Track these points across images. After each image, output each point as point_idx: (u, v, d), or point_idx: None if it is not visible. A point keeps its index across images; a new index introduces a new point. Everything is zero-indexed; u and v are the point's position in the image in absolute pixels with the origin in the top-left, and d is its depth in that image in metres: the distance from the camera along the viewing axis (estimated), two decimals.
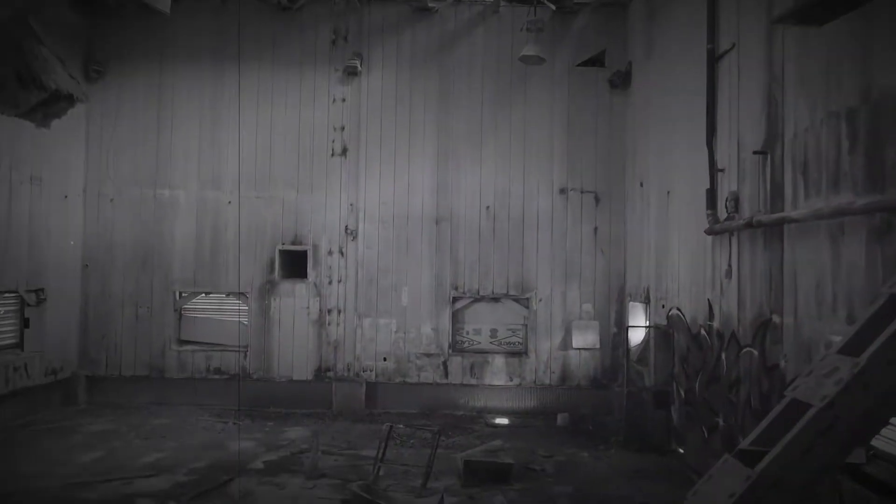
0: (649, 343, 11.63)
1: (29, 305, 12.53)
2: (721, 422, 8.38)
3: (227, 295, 13.97)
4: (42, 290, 12.72)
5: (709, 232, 8.68)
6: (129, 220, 13.87)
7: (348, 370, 13.53)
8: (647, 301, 11.91)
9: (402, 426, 10.43)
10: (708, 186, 8.77)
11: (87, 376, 13.74)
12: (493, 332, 13.63)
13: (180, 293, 13.94)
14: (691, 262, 9.66)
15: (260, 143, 13.80)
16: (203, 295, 14.04)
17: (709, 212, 8.69)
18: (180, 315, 14.01)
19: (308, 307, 13.59)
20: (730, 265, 8.18)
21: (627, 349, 11.72)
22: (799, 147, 6.59)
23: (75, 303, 13.71)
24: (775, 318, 7.00)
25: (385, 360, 13.49)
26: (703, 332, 9.13)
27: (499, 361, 13.37)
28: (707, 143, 8.85)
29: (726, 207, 8.24)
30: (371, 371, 13.51)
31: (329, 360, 13.57)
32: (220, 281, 13.78)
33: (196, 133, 13.87)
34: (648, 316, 12.07)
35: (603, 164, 13.46)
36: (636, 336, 12.75)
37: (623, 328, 13.16)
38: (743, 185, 7.94)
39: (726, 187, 8.40)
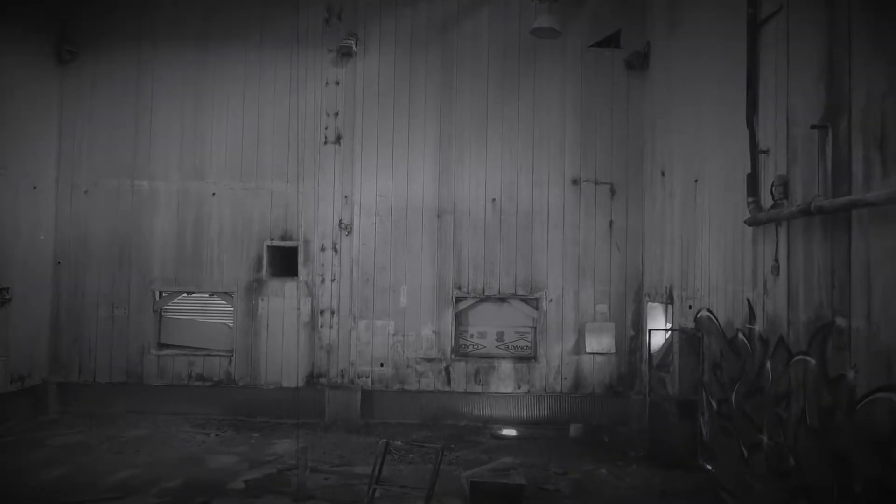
0: (672, 348, 10.57)
1: None
2: (766, 440, 7.31)
3: (211, 295, 12.90)
4: (7, 289, 11.64)
5: (750, 222, 7.62)
6: (104, 213, 12.79)
7: (342, 377, 12.46)
8: (669, 301, 10.84)
9: (399, 442, 9.34)
10: (749, 171, 7.71)
11: (58, 383, 12.66)
12: (500, 336, 12.57)
13: (160, 293, 12.87)
14: (726, 257, 8.60)
15: (246, 130, 12.73)
16: (185, 295, 12.96)
17: (750, 199, 7.63)
18: (160, 316, 12.94)
19: (299, 308, 12.52)
20: (777, 260, 7.11)
21: (649, 354, 10.66)
22: (873, 117, 5.53)
23: (45, 303, 12.64)
24: (840, 321, 5.94)
25: (382, 365, 12.42)
26: (741, 336, 8.06)
27: (506, 367, 12.31)
28: (747, 123, 7.80)
29: (772, 194, 7.18)
30: (367, 377, 12.43)
31: (321, 365, 12.49)
32: (204, 279, 12.71)
33: (178, 119, 12.79)
34: (671, 318, 11.01)
35: (619, 153, 12.40)
36: (656, 340, 11.68)
37: (641, 331, 12.11)
38: (794, 167, 6.88)
39: (771, 171, 7.34)
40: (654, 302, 11.72)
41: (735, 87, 8.24)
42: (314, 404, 12.36)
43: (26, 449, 10.35)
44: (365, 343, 12.46)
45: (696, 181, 9.67)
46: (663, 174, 11.20)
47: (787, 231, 6.98)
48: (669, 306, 10.92)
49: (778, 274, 7.10)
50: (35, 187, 12.34)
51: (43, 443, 10.71)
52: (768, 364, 7.29)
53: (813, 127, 6.32)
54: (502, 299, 12.50)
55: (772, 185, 7.20)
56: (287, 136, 12.66)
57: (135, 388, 12.63)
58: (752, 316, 7.77)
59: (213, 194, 12.70)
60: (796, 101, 6.88)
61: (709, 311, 9.07)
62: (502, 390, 12.28)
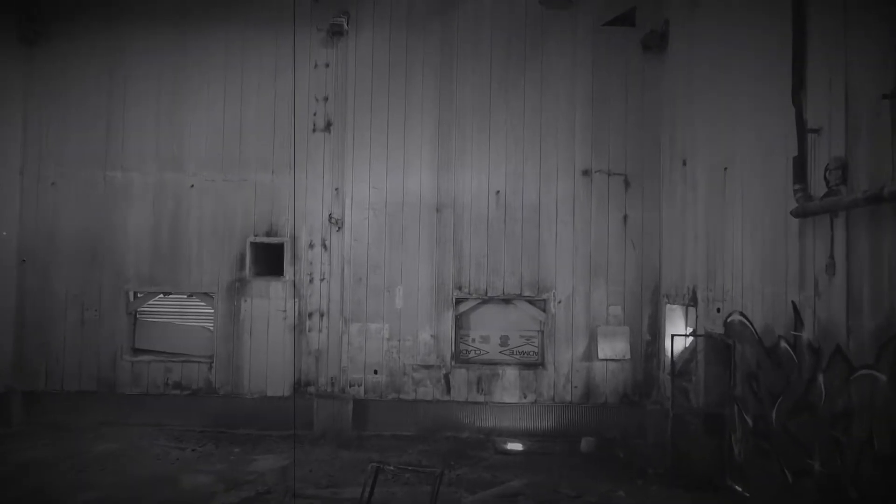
0: (696, 355, 9.56)
1: None
2: (817, 466, 6.30)
3: (190, 296, 11.86)
4: None
5: (797, 213, 6.61)
6: (74, 206, 11.73)
7: (332, 385, 11.43)
8: (691, 303, 9.83)
9: (391, 467, 8.30)
10: (795, 154, 6.70)
11: (22, 392, 11.61)
12: (504, 340, 11.54)
13: (135, 293, 11.82)
14: (764, 254, 7.59)
15: (228, 117, 11.69)
16: (161, 296, 11.92)
17: (797, 187, 6.62)
18: (135, 319, 11.89)
19: (285, 310, 11.49)
20: (832, 256, 6.10)
21: (672, 361, 9.64)
22: None
23: (9, 304, 11.58)
24: None
25: (376, 372, 11.39)
26: (783, 344, 7.04)
27: (511, 374, 11.28)
28: (793, 99, 6.78)
29: (826, 179, 6.18)
30: (359, 386, 11.40)
31: (310, 372, 11.46)
32: (182, 279, 11.66)
33: (154, 105, 11.74)
34: (694, 321, 10.00)
35: (634, 141, 11.37)
36: (676, 346, 10.67)
37: (658, 335, 11.09)
38: (855, 147, 5.87)
39: (824, 152, 6.33)
40: (673, 304, 10.70)
41: (773, 61, 7.27)
42: (301, 415, 11.30)
43: None
44: (357, 348, 11.43)
45: (725, 169, 8.65)
46: (684, 163, 10.18)
47: (845, 222, 5.97)
48: (692, 309, 9.90)
49: (834, 273, 6.09)
50: None
51: (3, 460, 9.67)
52: (821, 378, 6.28)
53: (885, 97, 5.31)
54: (507, 301, 11.48)
55: (825, 170, 6.20)
56: (272, 123, 11.63)
57: (106, 398, 11.58)
58: (798, 321, 6.76)
59: (192, 186, 11.66)
60: (858, 71, 5.86)
61: (742, 314, 8.06)
62: (507, 400, 11.25)
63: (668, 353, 10.74)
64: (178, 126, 11.70)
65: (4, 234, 11.49)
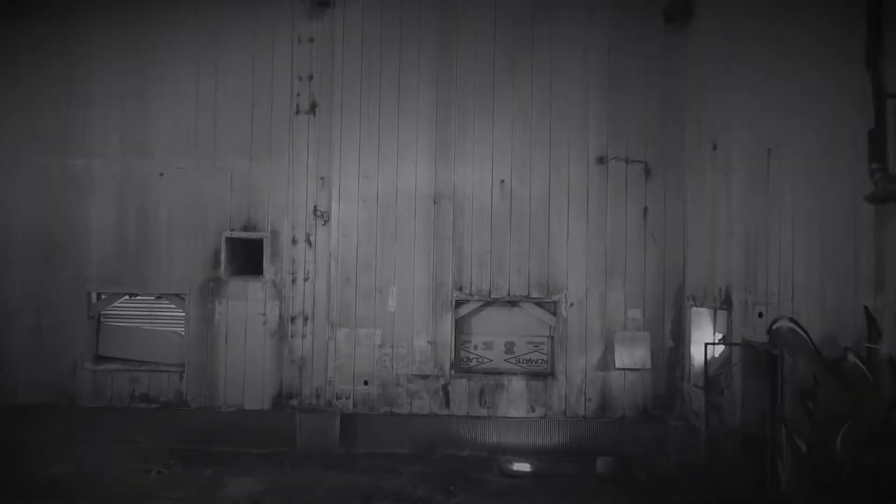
0: (730, 366, 8.36)
1: None
2: None
3: (159, 297, 10.63)
4: None
5: (875, 198, 5.41)
6: (28, 197, 10.49)
7: (318, 397, 10.21)
8: (724, 306, 8.62)
9: None
10: (870, 127, 5.50)
11: None
12: (510, 347, 10.33)
13: (98, 294, 10.59)
14: (824, 248, 6.39)
15: (201, 97, 10.47)
16: (127, 297, 10.69)
17: (874, 166, 5.43)
18: (98, 323, 10.67)
19: (265, 313, 10.27)
20: None
21: (705, 372, 8.42)
22: None
23: None
24: None
25: (367, 383, 10.18)
26: (852, 358, 5.84)
27: (517, 385, 10.07)
28: (867, 63, 5.58)
29: None
30: (348, 398, 10.19)
31: (293, 383, 10.25)
32: (150, 279, 10.43)
33: (118, 84, 10.51)
34: (725, 327, 8.80)
35: (655, 124, 10.16)
36: (701, 353, 9.49)
37: (682, 341, 9.90)
38: None
39: None
40: (700, 307, 9.50)
41: (836, 22, 6.09)
42: (284, 430, 10.13)
43: None
44: (345, 356, 10.21)
45: (769, 150, 7.44)
46: (715, 147, 8.97)
47: None
48: (725, 312, 8.70)
49: None
50: None
51: None
52: None
53: None
54: (513, 303, 10.26)
55: None
56: (251, 104, 10.41)
57: (65, 411, 10.35)
58: (873, 330, 5.55)
59: (161, 175, 10.43)
60: None
61: (792, 321, 6.84)
62: (513, 414, 10.04)
63: (695, 363, 9.57)
64: (146, 108, 10.47)
65: None
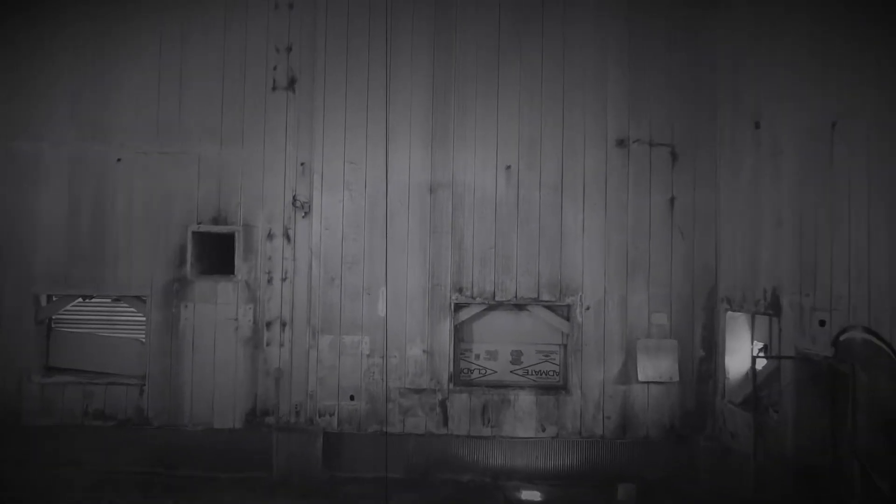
0: (778, 382, 7.10)
1: None
2: None
3: (116, 300, 9.34)
4: None
5: None
6: None
7: (297, 414, 8.93)
8: (769, 311, 7.35)
9: None
10: None
11: None
12: (517, 356, 9.05)
13: (48, 297, 9.28)
14: None
15: (165, 71, 9.18)
16: (81, 300, 9.39)
17: None
18: (48, 329, 9.37)
19: (237, 318, 8.99)
20: None
21: (754, 386, 7.13)
22: None
23: None
24: None
25: (353, 398, 8.90)
26: None
27: (525, 401, 8.79)
28: None
29: None
30: (332, 415, 8.91)
31: (268, 398, 8.97)
32: (106, 278, 9.14)
33: (70, 57, 9.22)
34: (769, 335, 7.55)
35: (683, 100, 8.89)
36: (738, 365, 8.27)
37: (715, 351, 8.63)
38: None
39: None
40: (736, 311, 8.23)
41: None
42: (259, 452, 8.86)
43: None
44: (329, 367, 8.93)
45: (833, 125, 6.17)
46: (757, 125, 7.70)
47: None
48: (770, 318, 7.43)
49: None
50: None
51: None
52: None
53: None
54: (520, 307, 8.98)
55: None
56: (221, 80, 9.14)
57: (9, 431, 9.04)
58: None
59: (119, 160, 9.14)
60: None
61: (870, 331, 5.57)
62: (520, 434, 8.76)
63: (730, 376, 8.32)
64: (101, 83, 9.18)
65: None
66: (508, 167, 8.95)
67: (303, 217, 9.02)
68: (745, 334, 8.20)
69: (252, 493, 8.34)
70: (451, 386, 8.84)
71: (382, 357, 8.87)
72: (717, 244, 8.72)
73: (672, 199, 8.85)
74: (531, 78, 8.98)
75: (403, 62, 9.01)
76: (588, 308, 8.80)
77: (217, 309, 9.00)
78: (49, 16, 9.21)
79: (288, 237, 9.02)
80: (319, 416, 8.90)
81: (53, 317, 9.39)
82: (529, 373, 9.00)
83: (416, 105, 9.01)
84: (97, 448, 8.99)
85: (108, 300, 9.38)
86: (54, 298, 9.31)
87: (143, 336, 9.17)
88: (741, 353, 8.20)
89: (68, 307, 9.39)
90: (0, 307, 9.13)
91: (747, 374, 7.89)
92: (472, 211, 8.96)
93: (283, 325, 8.98)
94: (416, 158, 9.00)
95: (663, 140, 8.89)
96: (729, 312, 8.40)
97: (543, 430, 8.75)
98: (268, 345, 8.98)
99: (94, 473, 8.72)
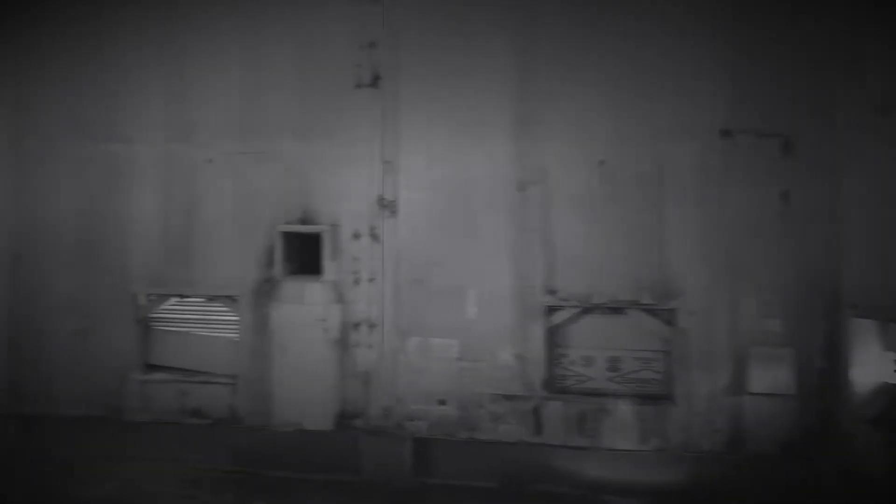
0: None
1: None
2: None
3: (210, 299, 9.44)
4: None
5: None
6: (67, 187, 9.51)
7: (386, 417, 8.77)
8: None
9: None
10: None
11: (16, 416, 9.56)
12: (614, 363, 8.52)
13: (147, 296, 9.49)
14: None
15: (248, 72, 9.13)
16: (177, 299, 9.56)
17: None
18: (146, 328, 9.59)
19: (325, 319, 8.89)
20: None
21: None
22: None
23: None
24: None
25: (443, 403, 8.64)
26: None
27: (625, 410, 8.27)
28: None
29: None
30: (421, 420, 8.69)
31: (356, 400, 8.85)
32: (199, 278, 9.26)
33: (156, 57, 9.33)
34: None
35: (797, 84, 8.03)
36: (866, 377, 7.44)
37: (839, 362, 7.79)
38: None
39: None
40: (865, 317, 7.39)
41: None
42: (347, 455, 8.76)
43: None
44: (417, 370, 8.71)
45: None
46: (886, 109, 6.81)
47: None
48: None
49: None
50: None
51: None
52: None
53: None
54: (617, 310, 8.43)
55: None
56: (305, 78, 9.00)
57: (113, 426, 9.35)
58: None
59: (210, 161, 9.20)
60: None
61: None
62: (619, 445, 8.26)
63: (858, 389, 7.50)
64: (187, 84, 9.25)
65: None
66: (601, 162, 8.37)
67: (389, 216, 8.79)
68: (876, 343, 7.36)
69: (342, 496, 8.28)
70: (545, 393, 8.42)
71: (472, 361, 8.56)
72: (841, 242, 7.86)
73: (785, 194, 8.03)
74: (623, 62, 8.34)
75: (487, 57, 8.58)
76: (692, 313, 8.14)
77: (305, 310, 8.92)
78: (126, 16, 9.34)
79: (374, 236, 8.82)
80: (408, 421, 8.69)
81: (152, 316, 9.59)
82: (628, 380, 8.45)
83: (502, 100, 8.56)
84: (194, 445, 9.16)
85: (203, 299, 9.48)
86: (152, 298, 9.51)
87: (236, 335, 9.24)
88: (871, 365, 7.36)
89: (165, 306, 9.58)
90: (102, 306, 9.42)
91: (880, 388, 7.09)
92: (564, 208, 8.45)
93: (371, 326, 8.81)
94: (502, 154, 8.56)
95: (774, 130, 8.06)
96: (855, 319, 7.56)
97: (645, 442, 8.20)
98: (355, 346, 8.84)
99: (191, 470, 8.89)
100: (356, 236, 8.84)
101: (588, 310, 8.47)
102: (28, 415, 9.54)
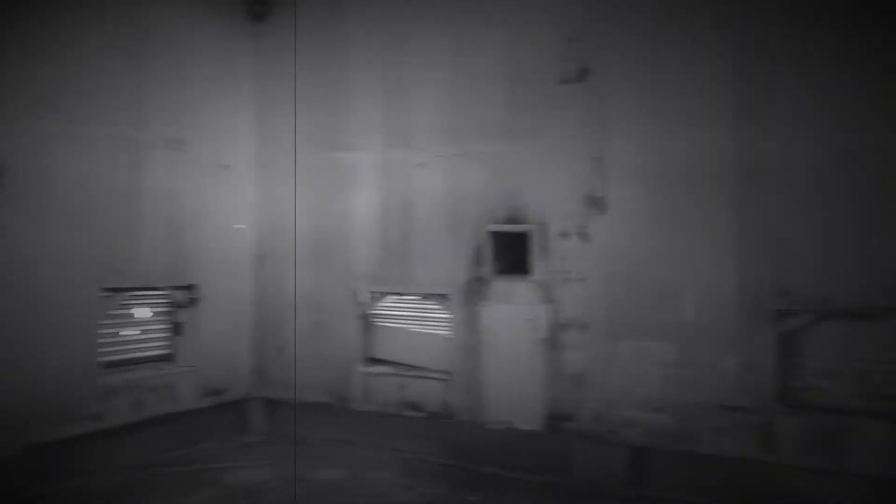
0: None
1: (179, 307, 9.82)
2: None
3: (424, 297, 9.83)
4: (194, 286, 9.92)
5: None
6: (302, 193, 10.51)
7: (597, 421, 8.47)
8: None
9: None
10: None
11: (263, 399, 10.77)
12: (862, 376, 7.38)
13: (369, 293, 10.15)
14: None
15: (458, 72, 9.36)
16: (393, 297, 10.10)
17: None
18: (367, 324, 10.25)
19: (533, 319, 8.82)
20: None
21: None
22: None
23: (244, 305, 10.78)
24: None
25: (658, 410, 8.13)
26: None
27: (877, 431, 7.12)
28: None
29: None
30: (636, 427, 8.26)
31: (566, 402, 8.65)
32: (413, 277, 9.72)
33: (378, 67, 9.94)
34: None
35: None
36: None
37: None
38: None
39: None
40: None
41: None
42: (557, 457, 8.61)
43: (184, 487, 8.29)
44: (630, 375, 8.28)
45: None
46: None
47: None
48: None
49: None
50: (226, 166, 10.48)
51: (211, 479, 8.57)
52: None
53: None
54: (865, 315, 7.29)
55: None
56: (507, 73, 9.01)
57: (339, 412, 10.15)
58: None
59: (422, 164, 9.59)
60: None
61: None
62: (870, 471, 7.15)
63: None
64: (403, 90, 9.74)
65: (240, 226, 10.68)
66: (837, 148, 7.29)
67: (597, 214, 8.48)
68: None
69: (555, 500, 8.11)
70: (777, 406, 7.55)
71: (689, 367, 7.94)
72: None
73: None
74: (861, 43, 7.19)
75: (702, 45, 7.90)
76: None
77: (514, 309, 8.93)
78: (356, 33, 10.02)
79: (582, 235, 8.56)
80: (621, 427, 8.31)
81: (371, 312, 10.22)
82: (881, 398, 7.28)
83: (719, 87, 7.83)
84: (411, 435, 9.61)
85: (416, 297, 9.91)
86: (374, 294, 10.13)
87: (448, 332, 9.52)
88: None
89: (383, 303, 10.16)
90: (331, 303, 10.26)
91: None
92: (794, 201, 7.50)
93: (580, 327, 8.56)
94: (720, 143, 7.83)
95: None
96: None
97: None
98: (565, 348, 8.65)
99: (409, 460, 9.32)
100: (564, 235, 8.65)
101: (825, 315, 7.43)
102: (272, 398, 10.69)
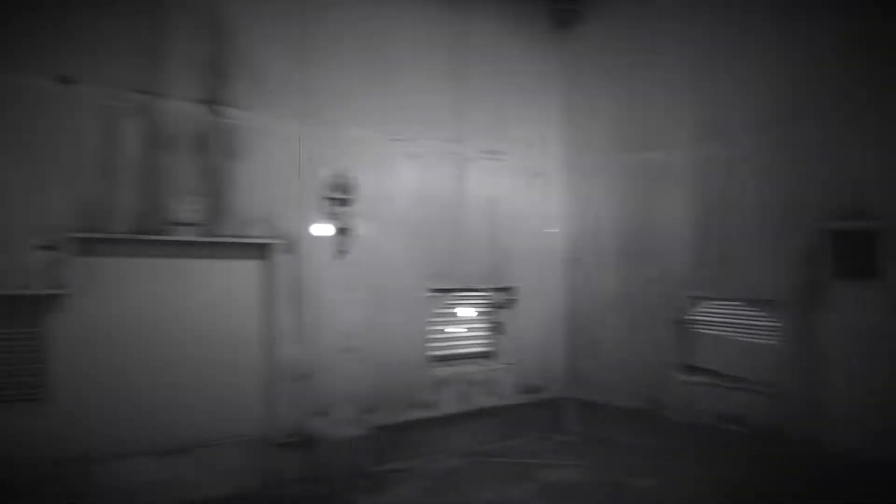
0: None
1: (499, 307, 10.51)
2: None
3: (745, 303, 9.03)
4: (511, 288, 10.52)
5: None
6: (610, 196, 10.45)
7: None
8: None
9: None
10: None
11: (576, 400, 10.95)
12: None
13: (685, 297, 9.66)
14: None
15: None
16: (710, 301, 9.45)
17: None
18: (683, 329, 9.76)
19: (885, 335, 7.50)
20: None
21: None
22: None
23: (556, 307, 11.06)
24: None
25: None
26: None
27: None
28: None
29: None
30: None
31: None
32: (728, 281, 9.01)
33: (686, 57, 9.43)
34: None
35: None
36: None
37: None
38: None
39: None
40: None
41: None
42: None
43: (506, 477, 8.76)
44: None
45: None
46: None
47: None
48: None
49: None
50: (539, 173, 10.88)
51: (530, 474, 8.93)
52: None
53: None
54: None
55: None
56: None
57: (651, 419, 9.85)
58: None
59: (742, 160, 8.84)
60: None
61: None
62: None
63: None
64: (717, 79, 9.09)
65: (553, 230, 11.02)
66: None
67: None
68: None
69: None
70: None
71: None
72: None
73: None
74: None
75: None
76: None
77: (860, 317, 7.69)
78: (664, 28, 9.62)
79: None
80: None
81: (687, 317, 9.68)
82: None
83: None
84: (729, 452, 8.84)
85: (736, 302, 9.14)
86: (693, 299, 9.57)
87: (772, 341, 8.60)
88: None
89: (699, 308, 9.57)
90: (643, 306, 9.99)
91: None
92: None
93: None
94: None
95: None
96: None
97: None
98: None
99: (729, 481, 8.57)
100: None
101: None
102: (584, 400, 10.79)
